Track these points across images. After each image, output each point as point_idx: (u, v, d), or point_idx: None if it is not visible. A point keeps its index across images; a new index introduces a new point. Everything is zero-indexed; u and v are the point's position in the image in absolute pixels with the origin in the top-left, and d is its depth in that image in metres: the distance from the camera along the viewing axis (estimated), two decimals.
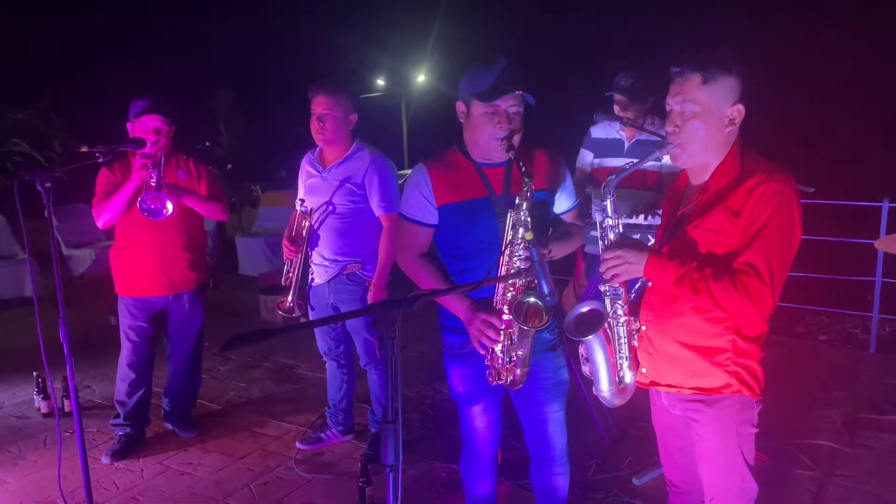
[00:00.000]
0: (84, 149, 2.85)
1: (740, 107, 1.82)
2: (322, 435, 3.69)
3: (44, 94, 9.47)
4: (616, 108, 3.54)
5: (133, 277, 3.54)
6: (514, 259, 2.08)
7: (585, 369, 2.06)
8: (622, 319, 1.98)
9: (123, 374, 3.65)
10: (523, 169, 2.05)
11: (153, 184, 3.26)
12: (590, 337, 1.94)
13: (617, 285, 1.96)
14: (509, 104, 2.12)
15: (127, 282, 3.56)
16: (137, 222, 3.43)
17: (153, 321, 3.64)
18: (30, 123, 9.33)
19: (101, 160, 3.17)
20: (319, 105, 3.21)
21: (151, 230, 3.45)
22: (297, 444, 3.67)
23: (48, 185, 2.46)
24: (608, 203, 1.96)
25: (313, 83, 3.26)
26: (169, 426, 3.87)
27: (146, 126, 3.34)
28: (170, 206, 3.28)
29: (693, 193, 1.92)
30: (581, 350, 2.03)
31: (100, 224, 3.43)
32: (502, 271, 2.10)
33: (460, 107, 2.22)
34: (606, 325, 1.97)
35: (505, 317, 2.11)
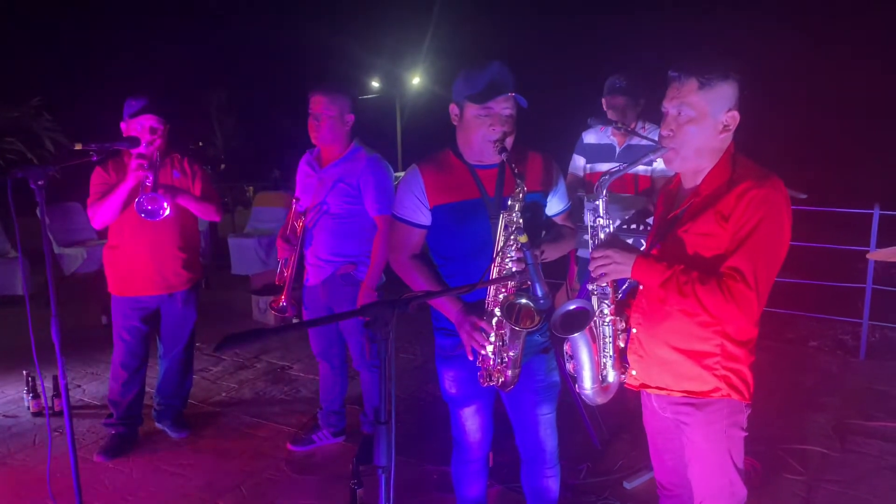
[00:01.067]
0: (78, 147, 2.83)
1: (735, 113, 1.84)
2: (314, 436, 3.68)
3: (37, 94, 9.44)
4: (610, 113, 3.56)
5: (127, 276, 3.53)
6: (507, 261, 2.09)
7: (569, 366, 2.07)
8: (608, 319, 1.99)
9: (116, 373, 3.63)
10: (516, 170, 2.06)
11: (149, 184, 3.25)
12: (576, 335, 1.95)
13: (605, 284, 1.97)
14: (502, 106, 2.13)
15: (120, 281, 3.55)
16: (131, 221, 3.42)
17: (146, 320, 3.63)
18: (23, 122, 9.30)
19: (94, 159, 3.16)
20: (316, 104, 3.22)
21: (145, 229, 3.43)
22: (289, 446, 3.67)
23: (41, 182, 2.45)
24: (600, 203, 1.98)
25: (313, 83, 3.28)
26: (160, 426, 3.86)
27: (142, 125, 3.33)
28: (167, 206, 3.27)
29: (685, 197, 1.94)
30: (566, 347, 2.04)
31: (95, 224, 3.42)
32: (495, 273, 2.11)
33: (453, 109, 2.23)
34: (592, 323, 1.98)
35: (496, 318, 2.12)
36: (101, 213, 3.34)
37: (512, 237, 2.06)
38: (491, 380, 2.18)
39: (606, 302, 1.99)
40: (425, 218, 2.27)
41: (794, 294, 5.31)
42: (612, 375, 2.03)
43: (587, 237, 2.05)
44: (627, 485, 3.22)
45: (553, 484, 2.47)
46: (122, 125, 3.40)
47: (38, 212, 2.52)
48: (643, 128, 3.57)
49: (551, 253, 2.28)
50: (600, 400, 2.07)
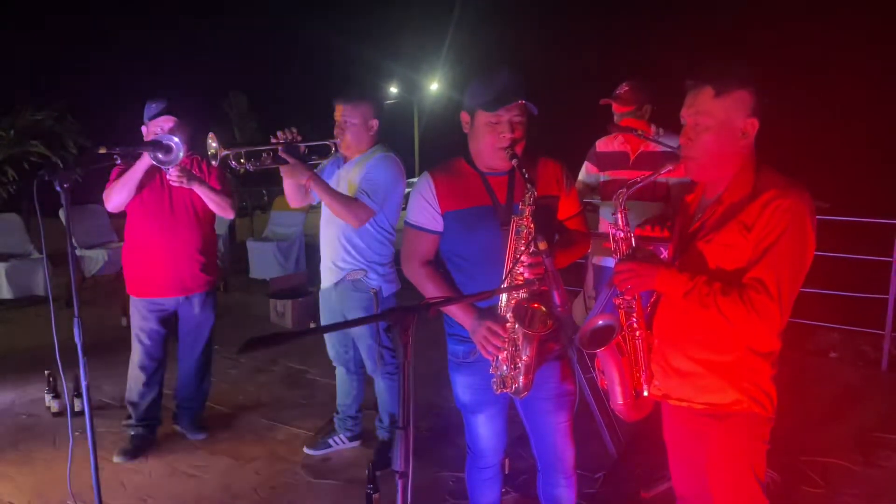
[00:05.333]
0: (102, 150, 2.87)
1: (753, 121, 1.82)
2: (330, 440, 3.69)
3: (61, 97, 9.59)
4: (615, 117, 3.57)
5: (144, 278, 3.57)
6: (520, 267, 2.09)
7: (601, 382, 2.06)
8: (637, 333, 1.98)
9: (135, 375, 3.67)
10: (526, 176, 2.07)
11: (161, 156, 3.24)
12: (604, 349, 1.94)
13: (631, 298, 1.96)
14: (512, 114, 2.14)
15: (138, 282, 3.59)
16: (149, 223, 3.46)
17: (164, 323, 3.66)
18: (46, 125, 9.44)
19: (118, 162, 3.18)
20: (339, 112, 3.25)
21: (163, 232, 3.48)
22: (305, 449, 3.68)
23: (66, 185, 2.48)
24: (620, 216, 1.97)
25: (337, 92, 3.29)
26: (178, 428, 3.89)
27: (161, 127, 3.37)
28: (177, 138, 3.21)
29: (707, 206, 1.92)
30: (597, 363, 2.03)
31: (110, 206, 3.43)
32: (507, 280, 2.11)
33: (465, 117, 2.25)
34: (621, 338, 1.97)
35: (509, 324, 2.11)
36: (117, 192, 3.36)
37: (525, 244, 2.07)
38: (504, 386, 2.18)
39: (634, 316, 1.98)
40: (437, 224, 2.27)
41: (815, 304, 5.23)
42: (645, 390, 2.01)
43: (606, 245, 2.04)
44: (646, 493, 3.19)
45: (569, 493, 2.46)
46: (143, 129, 3.44)
47: (60, 213, 2.55)
48: (658, 133, 3.55)
49: (563, 259, 2.27)
50: (634, 415, 2.05)
